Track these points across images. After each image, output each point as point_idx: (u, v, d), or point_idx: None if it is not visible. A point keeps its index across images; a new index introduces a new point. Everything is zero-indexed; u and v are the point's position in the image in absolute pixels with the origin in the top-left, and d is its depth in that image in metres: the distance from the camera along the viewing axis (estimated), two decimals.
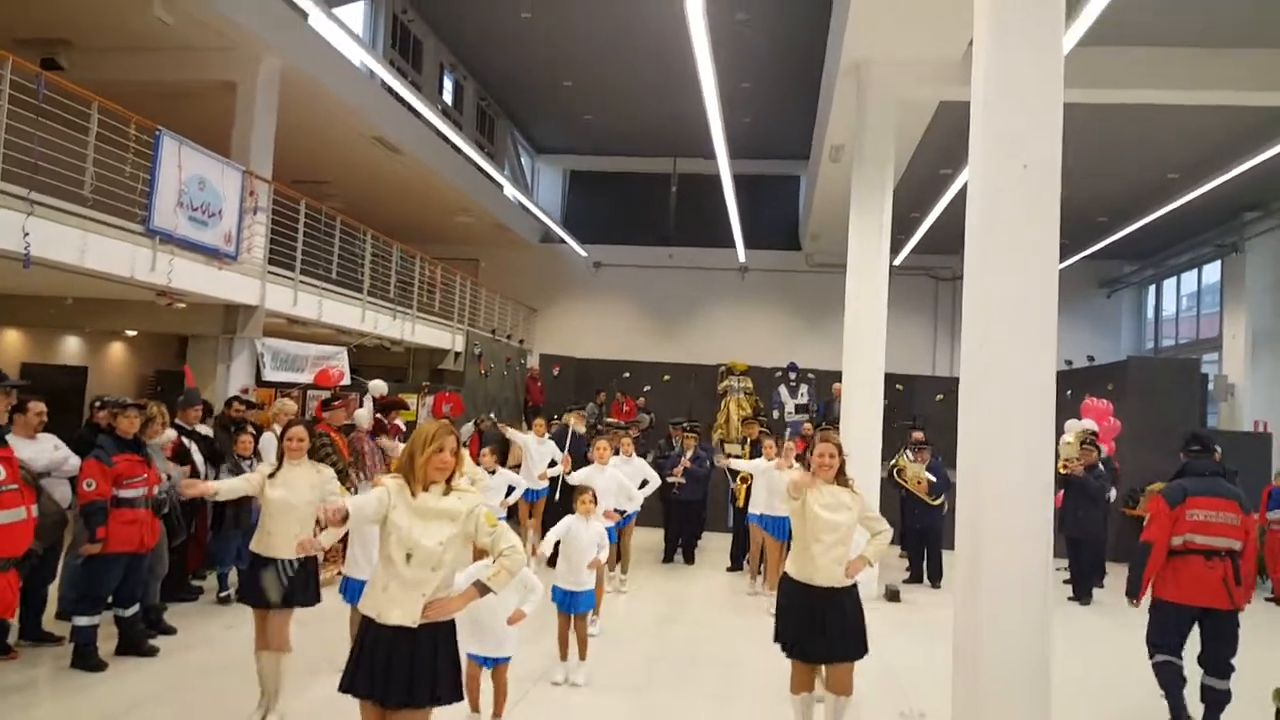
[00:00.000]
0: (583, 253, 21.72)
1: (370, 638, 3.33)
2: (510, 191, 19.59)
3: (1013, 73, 4.37)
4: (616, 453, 8.47)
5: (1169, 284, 20.98)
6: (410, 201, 17.56)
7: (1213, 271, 18.88)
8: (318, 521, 5.05)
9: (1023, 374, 4.32)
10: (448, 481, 3.43)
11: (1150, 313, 21.72)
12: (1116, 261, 20.98)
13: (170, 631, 6.58)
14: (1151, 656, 5.63)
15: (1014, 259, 4.35)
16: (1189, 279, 20.13)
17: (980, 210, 4.49)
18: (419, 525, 3.34)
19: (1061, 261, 4.47)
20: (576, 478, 7.43)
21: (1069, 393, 13.10)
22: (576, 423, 10.53)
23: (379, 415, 9.94)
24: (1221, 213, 16.83)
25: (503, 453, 10.16)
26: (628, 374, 19.34)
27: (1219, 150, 13.68)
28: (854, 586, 4.69)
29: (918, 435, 10.60)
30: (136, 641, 6.03)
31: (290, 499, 4.92)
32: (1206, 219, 17.27)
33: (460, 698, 3.47)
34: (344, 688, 3.35)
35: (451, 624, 3.44)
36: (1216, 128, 13.14)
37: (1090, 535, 9.46)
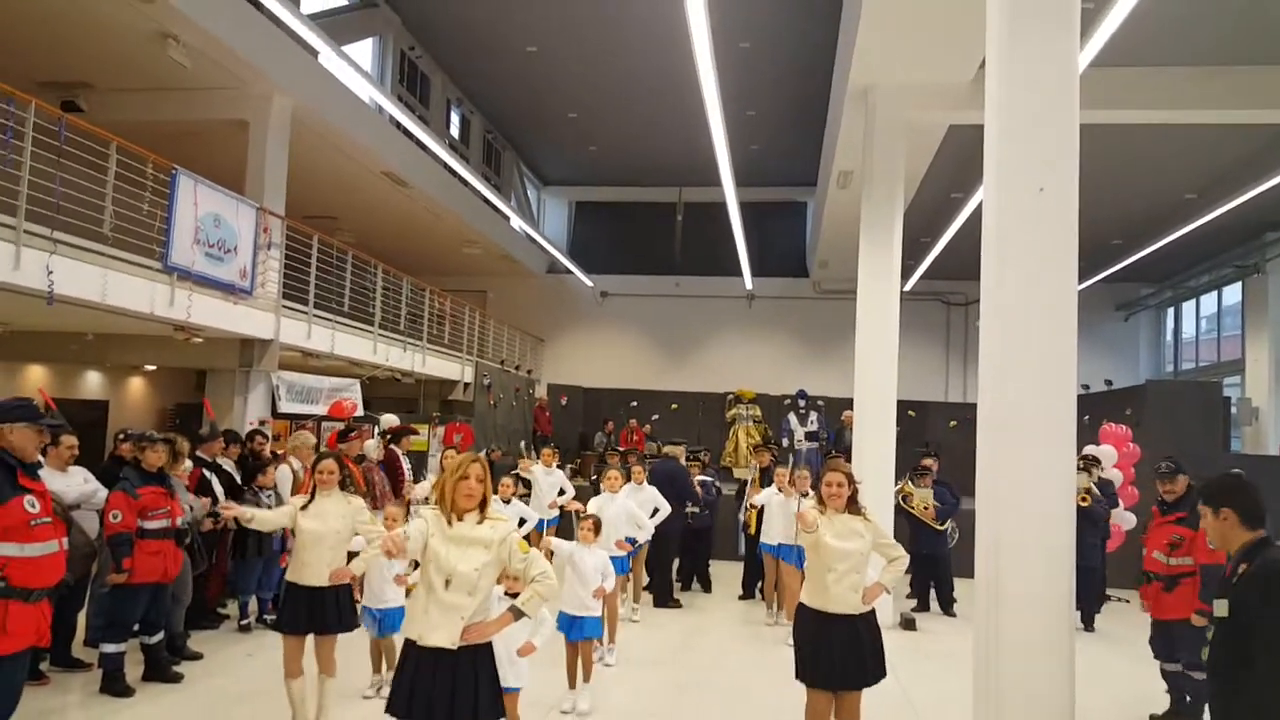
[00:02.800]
0: (589, 282, 21.83)
1: (413, 660, 3.46)
2: (517, 223, 19.74)
3: (1027, 95, 4.40)
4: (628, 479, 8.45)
5: (1188, 306, 20.76)
6: (419, 235, 17.70)
7: (1233, 293, 18.65)
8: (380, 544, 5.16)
9: (1041, 400, 4.31)
10: (481, 509, 3.57)
11: (1169, 336, 21.48)
12: (1134, 284, 20.84)
13: (196, 657, 6.67)
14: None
15: (1031, 283, 4.36)
16: (1209, 301, 19.87)
17: (995, 234, 4.50)
18: (456, 552, 3.49)
19: (1077, 284, 4.48)
20: (590, 507, 7.39)
21: (1086, 418, 13.02)
22: (677, 455, 10.52)
23: (391, 445, 9.98)
24: (1242, 233, 16.72)
25: (527, 483, 10.19)
26: (635, 403, 19.36)
27: (1237, 169, 13.67)
28: (871, 613, 4.66)
29: (926, 462, 10.55)
30: (162, 668, 6.14)
31: (320, 529, 5.02)
32: (1226, 239, 17.17)
33: (501, 714, 3.58)
34: (389, 710, 3.47)
35: (489, 646, 3.55)
36: (1233, 146, 13.12)
37: (1091, 562, 9.20)
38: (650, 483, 9.80)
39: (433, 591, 3.46)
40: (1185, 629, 5.88)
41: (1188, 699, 6.00)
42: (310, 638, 5.04)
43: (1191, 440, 12.41)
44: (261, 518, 5.18)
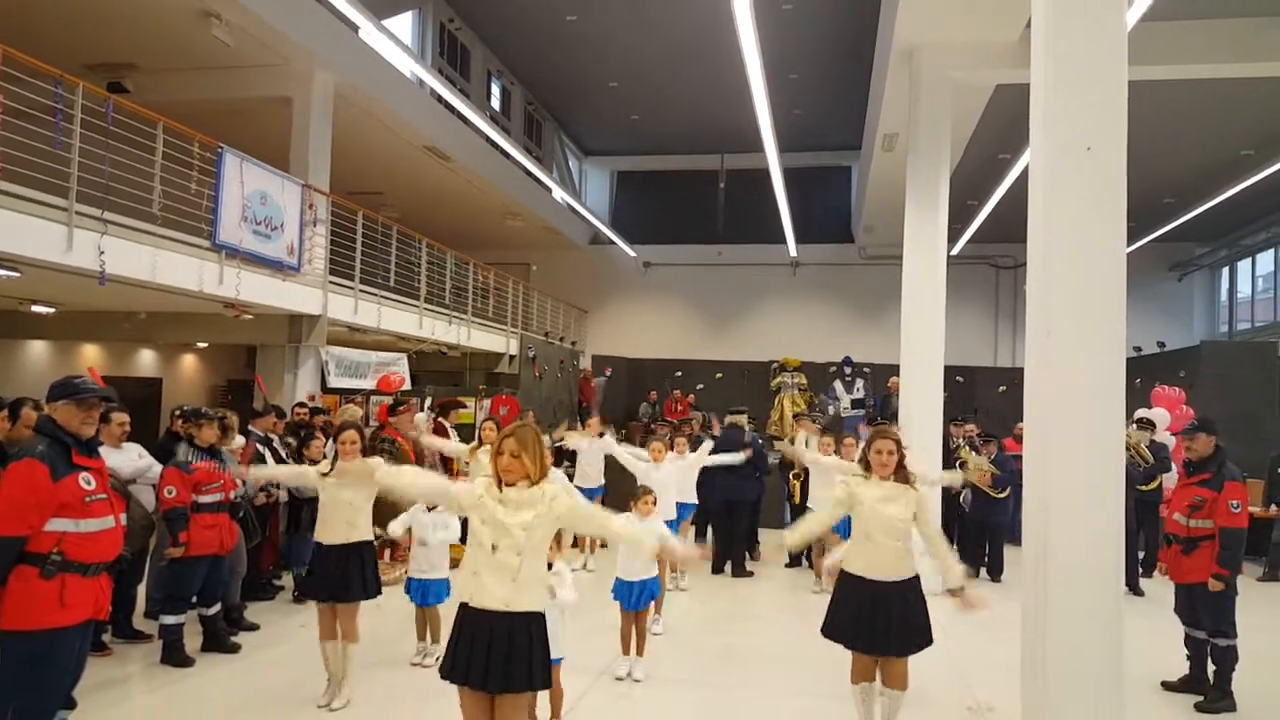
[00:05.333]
0: (632, 253, 21.78)
1: (468, 626, 3.48)
2: (559, 194, 19.74)
3: (1074, 52, 4.28)
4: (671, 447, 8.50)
5: (1244, 265, 20.19)
6: (462, 208, 17.79)
7: None
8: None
9: (1090, 362, 4.24)
10: (530, 480, 3.56)
11: (1224, 295, 20.90)
12: (1187, 243, 20.29)
13: (253, 628, 6.87)
14: (1233, 637, 5.78)
15: (1079, 244, 4.27)
16: (1265, 259, 19.31)
17: (1042, 195, 4.42)
18: (504, 511, 3.50)
19: (1128, 245, 4.36)
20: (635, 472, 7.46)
21: (1138, 381, 12.77)
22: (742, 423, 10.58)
23: (439, 418, 10.13)
24: None
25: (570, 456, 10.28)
26: (680, 373, 19.37)
27: None
28: (915, 579, 4.63)
29: (970, 429, 10.41)
30: (220, 639, 6.31)
31: (338, 491, 5.25)
32: None
33: (550, 685, 3.66)
34: (444, 674, 3.50)
35: (543, 616, 3.55)
36: None
37: (1129, 525, 9.02)
38: (719, 452, 9.87)
39: (481, 551, 3.48)
40: (1205, 593, 5.78)
41: (1211, 667, 5.87)
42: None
43: (1247, 402, 12.15)
44: (283, 473, 5.57)
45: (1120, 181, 4.22)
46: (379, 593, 5.44)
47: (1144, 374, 13.74)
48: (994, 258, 20.79)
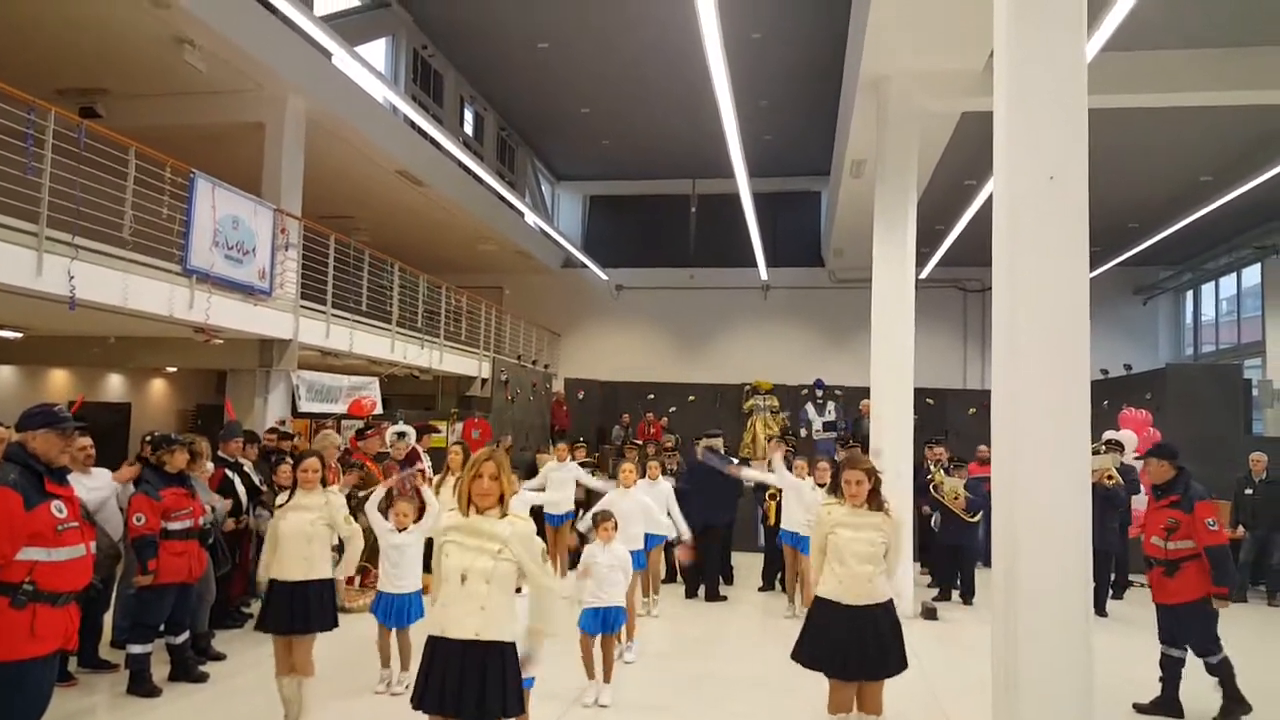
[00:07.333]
0: (604, 276, 21.85)
1: (439, 654, 3.47)
2: (532, 219, 19.78)
3: (1034, 83, 4.38)
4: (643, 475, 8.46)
5: (1207, 289, 20.63)
6: (435, 232, 17.78)
7: (1253, 274, 18.49)
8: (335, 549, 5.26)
9: (1055, 385, 4.31)
10: (501, 504, 3.59)
11: (1189, 318, 21.34)
12: (1152, 268, 20.69)
13: (220, 658, 6.75)
14: (1219, 654, 5.87)
15: (1042, 270, 4.35)
16: (1228, 283, 19.74)
17: (1006, 223, 4.50)
18: (473, 542, 3.53)
19: (1093, 269, 4.47)
20: (601, 503, 7.40)
21: (1106, 403, 12.99)
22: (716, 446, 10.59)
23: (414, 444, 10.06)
24: (1259, 214, 16.59)
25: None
26: (652, 395, 19.37)
27: (1253, 150, 13.58)
28: (890, 604, 4.65)
29: (939, 451, 10.51)
30: (188, 668, 6.21)
31: (297, 523, 5.10)
32: (1244, 221, 17.06)
33: (524, 711, 3.66)
34: (414, 703, 3.49)
35: (513, 645, 3.55)
36: (1248, 127, 13.03)
37: (1105, 546, 9.12)
38: (692, 479, 9.86)
39: (449, 585, 3.49)
40: (1191, 613, 5.86)
41: (1213, 680, 5.93)
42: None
43: (1213, 423, 12.36)
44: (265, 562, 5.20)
45: (1082, 208, 4.31)
46: (335, 625, 5.26)
47: (1111, 396, 13.96)
48: (962, 281, 21.08)
